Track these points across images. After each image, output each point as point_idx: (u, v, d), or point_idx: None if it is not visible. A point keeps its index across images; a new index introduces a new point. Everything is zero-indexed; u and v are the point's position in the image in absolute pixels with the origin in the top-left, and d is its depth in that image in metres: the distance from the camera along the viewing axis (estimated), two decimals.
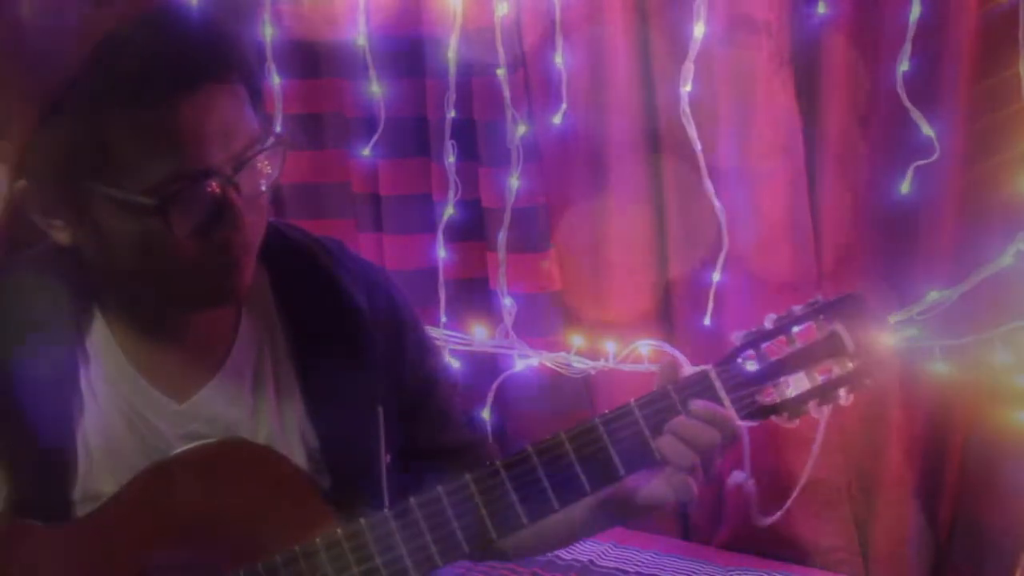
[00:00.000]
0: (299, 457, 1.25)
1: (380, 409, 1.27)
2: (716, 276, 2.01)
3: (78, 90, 1.04)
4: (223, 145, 1.08)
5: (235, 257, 1.13)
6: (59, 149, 1.06)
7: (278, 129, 2.20)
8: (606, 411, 1.15)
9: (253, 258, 1.16)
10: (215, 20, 1.13)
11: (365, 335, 1.28)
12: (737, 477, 2.07)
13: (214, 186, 1.08)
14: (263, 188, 1.13)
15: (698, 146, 1.95)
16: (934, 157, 1.84)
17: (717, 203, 1.97)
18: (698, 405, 1.14)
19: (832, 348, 1.15)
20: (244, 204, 1.10)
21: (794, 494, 2.04)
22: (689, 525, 2.25)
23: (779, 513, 2.07)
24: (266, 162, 1.13)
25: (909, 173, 1.88)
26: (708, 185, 1.96)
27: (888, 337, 1.17)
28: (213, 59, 1.08)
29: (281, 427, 1.25)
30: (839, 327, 1.14)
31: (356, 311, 1.28)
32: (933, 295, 1.88)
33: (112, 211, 1.08)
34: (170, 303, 1.20)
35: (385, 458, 1.28)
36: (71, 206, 1.10)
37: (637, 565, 2.07)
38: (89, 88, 1.04)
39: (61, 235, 1.13)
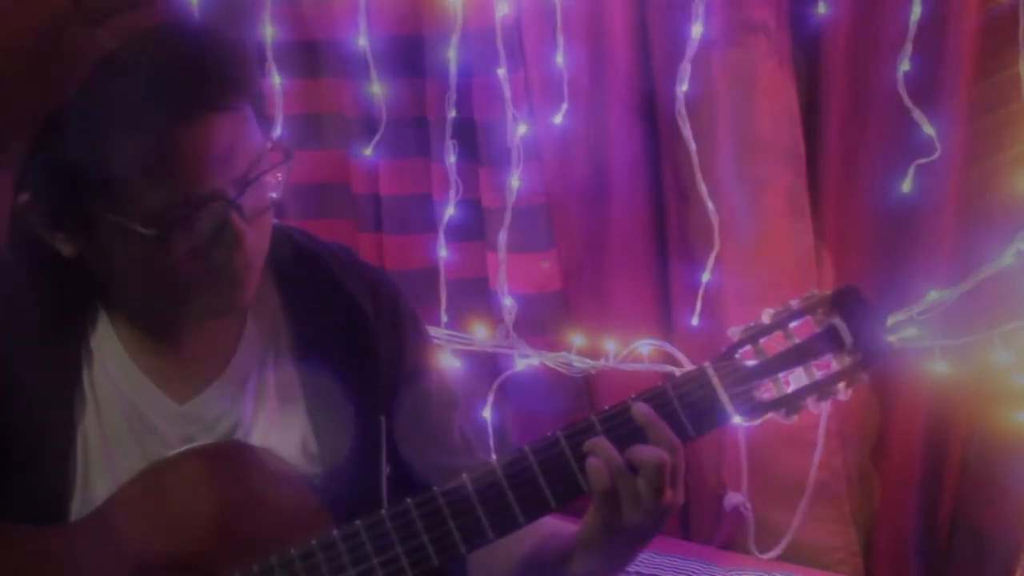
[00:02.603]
0: (298, 463, 1.25)
1: (382, 419, 1.27)
2: (706, 276, 2.01)
3: (78, 111, 1.03)
4: (226, 168, 1.07)
5: (237, 274, 1.13)
6: (60, 168, 1.06)
7: (278, 131, 2.20)
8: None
9: (257, 272, 1.17)
10: (218, 39, 1.10)
11: (370, 344, 1.28)
12: (733, 499, 2.07)
13: (216, 209, 1.08)
14: (268, 203, 1.13)
15: (693, 146, 1.95)
16: (935, 156, 1.84)
17: (710, 204, 1.97)
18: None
19: (830, 342, 1.14)
20: (247, 224, 1.10)
21: (799, 512, 2.05)
22: (689, 525, 2.25)
23: (778, 549, 2.07)
24: (271, 174, 1.13)
25: (910, 172, 1.87)
26: (701, 186, 1.96)
27: (885, 329, 1.17)
28: (216, 83, 1.06)
29: (281, 432, 1.25)
30: (836, 321, 1.14)
31: (361, 319, 1.28)
32: (933, 295, 1.87)
33: (113, 232, 1.09)
34: (173, 312, 1.20)
35: (385, 469, 1.28)
36: (73, 223, 1.11)
37: (637, 564, 2.05)
38: (88, 110, 1.03)
39: (64, 247, 1.14)
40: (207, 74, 1.06)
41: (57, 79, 1.03)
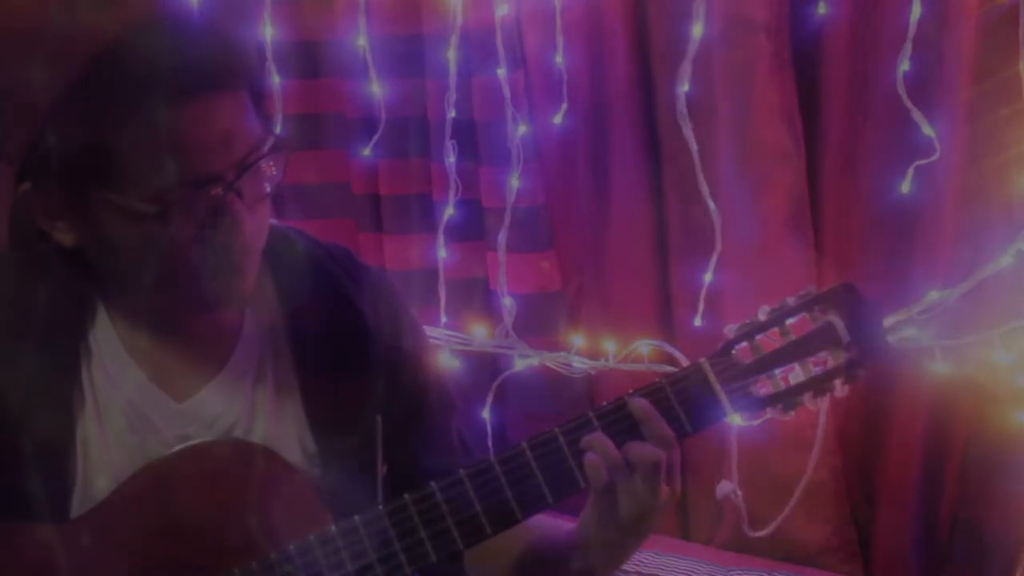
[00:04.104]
0: (296, 461, 1.25)
1: (379, 417, 1.27)
2: (708, 277, 2.01)
3: (81, 96, 1.04)
4: (226, 152, 1.08)
5: (237, 261, 1.14)
6: (62, 154, 1.07)
7: (278, 130, 2.20)
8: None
9: (256, 261, 1.17)
10: (219, 26, 1.14)
11: (367, 343, 1.28)
12: (724, 488, 2.07)
13: (216, 192, 1.08)
14: (266, 191, 1.14)
15: (694, 146, 1.95)
16: (935, 157, 1.84)
17: (711, 204, 1.97)
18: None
19: (826, 339, 1.14)
20: (246, 209, 1.11)
21: (791, 502, 2.04)
22: (689, 525, 2.25)
23: (772, 526, 2.07)
24: (269, 165, 1.13)
25: (909, 173, 1.87)
26: (703, 186, 1.96)
27: (882, 326, 1.17)
28: (217, 67, 1.08)
29: (279, 430, 1.25)
30: (833, 318, 1.14)
31: (360, 319, 1.29)
32: (933, 295, 1.87)
33: (115, 216, 1.09)
34: (173, 304, 1.20)
35: (382, 469, 1.28)
36: (74, 210, 1.11)
37: (637, 565, 2.06)
38: (92, 94, 1.04)
39: (65, 237, 1.14)
40: (206, 56, 1.07)
41: (60, 67, 1.04)
